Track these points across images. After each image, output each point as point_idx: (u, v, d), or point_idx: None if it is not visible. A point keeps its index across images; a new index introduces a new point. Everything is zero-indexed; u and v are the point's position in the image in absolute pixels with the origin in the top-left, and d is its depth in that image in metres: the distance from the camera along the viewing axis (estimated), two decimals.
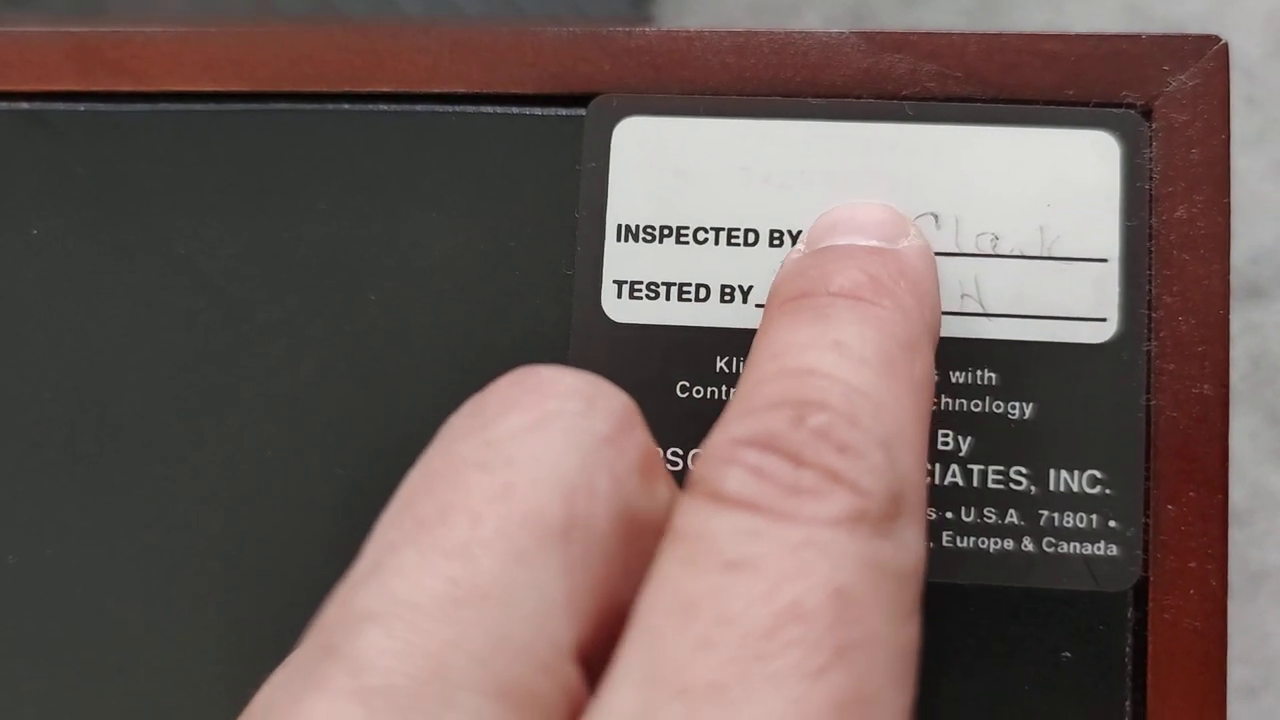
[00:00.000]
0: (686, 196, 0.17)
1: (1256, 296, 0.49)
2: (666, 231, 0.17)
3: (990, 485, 0.16)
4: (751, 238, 0.17)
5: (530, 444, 0.12)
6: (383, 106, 0.18)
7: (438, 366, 0.17)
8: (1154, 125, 0.17)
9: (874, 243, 0.15)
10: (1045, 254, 0.16)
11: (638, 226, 0.17)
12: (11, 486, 0.18)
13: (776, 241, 0.17)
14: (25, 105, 0.18)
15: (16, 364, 0.18)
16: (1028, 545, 0.16)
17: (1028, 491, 0.16)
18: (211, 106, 0.18)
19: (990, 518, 0.16)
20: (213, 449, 0.17)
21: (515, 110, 0.18)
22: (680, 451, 0.17)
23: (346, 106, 0.18)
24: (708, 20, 0.57)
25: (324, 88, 0.18)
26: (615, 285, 0.17)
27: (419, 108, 0.18)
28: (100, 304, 0.18)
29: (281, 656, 0.12)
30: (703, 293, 0.17)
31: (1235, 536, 0.50)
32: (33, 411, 0.18)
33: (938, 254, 0.16)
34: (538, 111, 0.17)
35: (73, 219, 0.18)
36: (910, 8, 0.56)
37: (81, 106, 0.18)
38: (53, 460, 0.18)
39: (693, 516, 0.12)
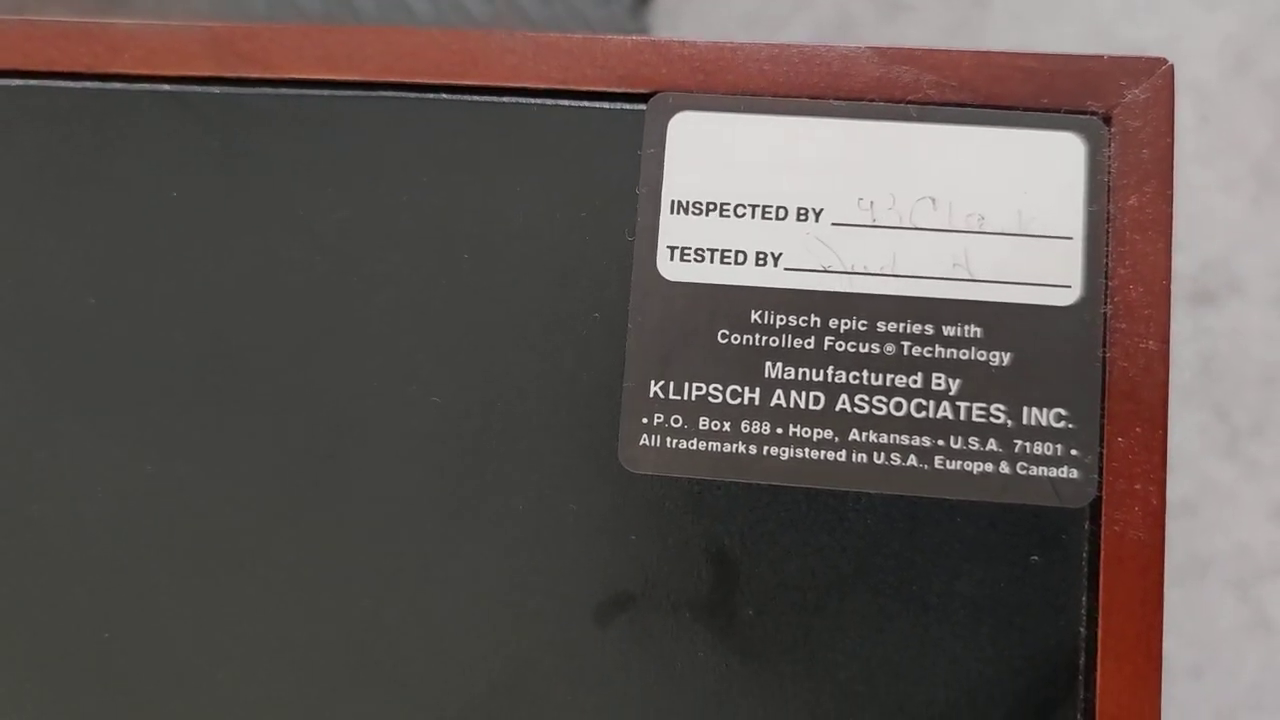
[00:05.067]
0: (729, 179, 0.21)
1: (1206, 302, 0.54)
2: (712, 206, 0.21)
3: (974, 419, 0.20)
4: (781, 213, 0.20)
5: None
6: (475, 98, 0.21)
7: (521, 313, 0.21)
8: (1113, 129, 0.20)
9: None
10: (1022, 232, 0.20)
11: (688, 202, 0.21)
12: (146, 413, 0.21)
13: (802, 217, 0.20)
14: (167, 88, 0.22)
15: (154, 309, 0.21)
16: (1004, 468, 0.20)
17: (1005, 425, 0.20)
18: (327, 93, 0.21)
19: (974, 445, 0.20)
20: (325, 381, 0.21)
21: (587, 104, 0.21)
22: (720, 388, 0.20)
23: (444, 96, 0.21)
24: (700, 28, 0.61)
25: (425, 79, 0.21)
26: (669, 250, 0.20)
27: (506, 100, 0.21)
28: (228, 257, 0.21)
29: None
30: (740, 257, 0.20)
31: (1183, 525, 0.54)
32: (166, 349, 0.21)
33: (934, 230, 0.20)
34: (606, 106, 0.21)
35: (207, 185, 0.21)
36: (891, 24, 0.60)
37: (216, 90, 0.22)
38: (183, 393, 0.21)
39: None
